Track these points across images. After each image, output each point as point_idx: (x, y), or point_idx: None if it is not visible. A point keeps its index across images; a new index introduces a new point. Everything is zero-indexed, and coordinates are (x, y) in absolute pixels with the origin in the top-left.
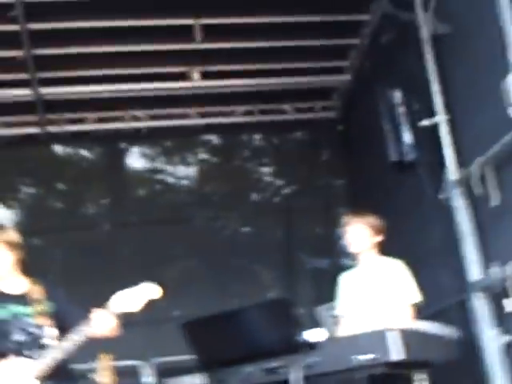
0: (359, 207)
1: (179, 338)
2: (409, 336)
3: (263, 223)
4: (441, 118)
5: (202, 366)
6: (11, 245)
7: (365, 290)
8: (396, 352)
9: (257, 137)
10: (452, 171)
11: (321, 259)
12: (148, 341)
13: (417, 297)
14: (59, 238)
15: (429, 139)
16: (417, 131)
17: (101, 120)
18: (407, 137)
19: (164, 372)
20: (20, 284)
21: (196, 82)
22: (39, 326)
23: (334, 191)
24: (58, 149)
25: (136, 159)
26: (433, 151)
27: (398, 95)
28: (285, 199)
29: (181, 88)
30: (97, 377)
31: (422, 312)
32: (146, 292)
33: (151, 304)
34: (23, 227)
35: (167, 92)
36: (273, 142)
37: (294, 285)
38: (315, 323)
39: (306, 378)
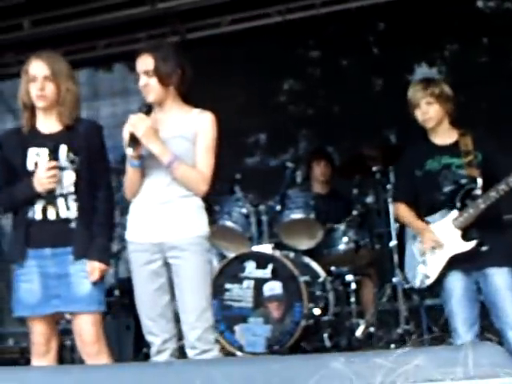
0: None
1: None
2: None
3: None
4: None
5: None
6: (441, 97)
7: None
8: None
9: None
10: None
11: None
12: None
13: None
14: (485, 91)
15: None
16: None
17: None
18: None
19: None
20: (450, 135)
21: None
22: (469, 177)
23: None
24: (480, 3)
25: None
26: None
27: None
28: None
29: None
30: None
31: None
32: None
33: None
34: (448, 82)
35: None
36: None
37: None
38: None
39: None
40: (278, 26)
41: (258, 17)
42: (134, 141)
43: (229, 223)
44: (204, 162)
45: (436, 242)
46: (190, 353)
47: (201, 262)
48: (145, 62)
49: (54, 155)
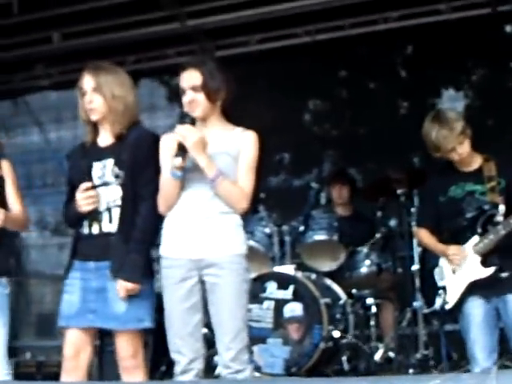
0: None
1: None
2: None
3: None
4: None
5: None
6: (465, 131)
7: None
8: None
9: None
10: None
11: None
12: None
13: None
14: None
15: None
16: None
17: None
18: None
19: None
20: (474, 162)
21: None
22: (492, 203)
23: None
24: (509, 28)
25: None
26: None
27: None
28: None
29: None
30: None
31: None
32: None
33: None
34: (475, 108)
35: None
36: None
37: None
38: None
39: None
40: (306, 46)
41: (287, 36)
42: (182, 151)
43: (251, 242)
44: (245, 180)
45: (462, 255)
46: (223, 371)
47: (238, 282)
48: (191, 77)
49: (87, 174)
